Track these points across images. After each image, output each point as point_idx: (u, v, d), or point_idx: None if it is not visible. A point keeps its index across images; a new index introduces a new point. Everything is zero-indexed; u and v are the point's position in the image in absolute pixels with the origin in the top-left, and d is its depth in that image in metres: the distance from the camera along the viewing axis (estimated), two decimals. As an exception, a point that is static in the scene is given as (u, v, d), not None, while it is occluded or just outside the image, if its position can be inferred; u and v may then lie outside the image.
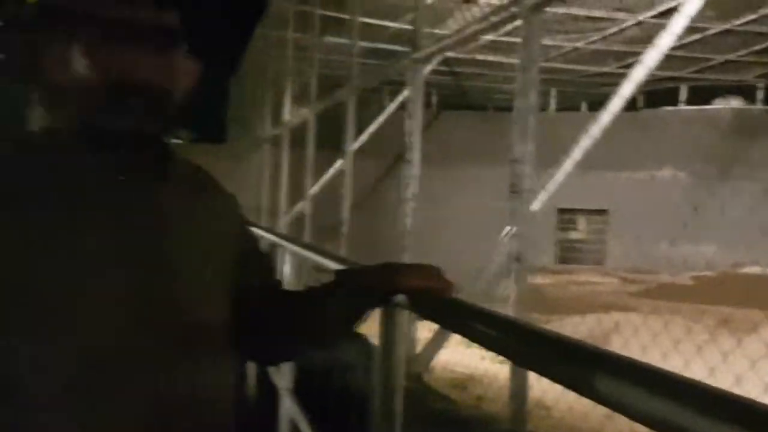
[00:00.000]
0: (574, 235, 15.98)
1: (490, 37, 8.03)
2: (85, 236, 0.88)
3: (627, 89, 3.61)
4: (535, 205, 3.49)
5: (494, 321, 0.89)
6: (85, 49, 0.90)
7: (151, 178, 0.95)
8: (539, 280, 11.31)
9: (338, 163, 7.41)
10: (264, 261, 1.21)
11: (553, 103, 16.33)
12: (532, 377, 3.38)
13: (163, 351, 0.89)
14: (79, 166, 0.91)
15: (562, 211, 14.95)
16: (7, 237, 0.85)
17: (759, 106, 15.55)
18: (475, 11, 6.34)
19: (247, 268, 1.08)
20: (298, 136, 9.77)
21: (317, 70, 9.15)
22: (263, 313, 1.09)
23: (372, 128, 7.45)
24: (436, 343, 4.44)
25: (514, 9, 3.28)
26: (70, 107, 0.93)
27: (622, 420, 0.59)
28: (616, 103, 3.62)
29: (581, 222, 15.92)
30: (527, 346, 0.80)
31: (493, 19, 3.61)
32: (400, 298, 1.35)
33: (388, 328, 2.19)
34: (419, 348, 4.94)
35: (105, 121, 0.92)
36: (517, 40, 3.34)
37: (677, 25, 3.67)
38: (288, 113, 10.65)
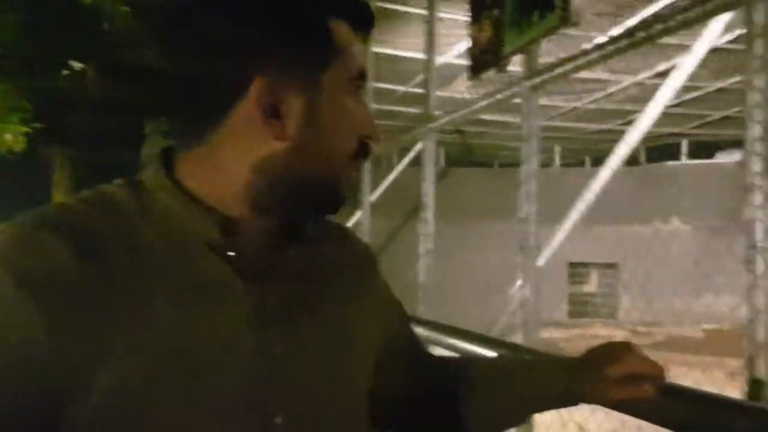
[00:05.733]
0: (585, 288, 16.04)
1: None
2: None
3: (626, 145, 3.58)
4: (541, 261, 3.60)
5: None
6: None
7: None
8: (552, 333, 11.35)
9: (357, 215, 7.65)
10: (406, 321, 1.02)
11: (557, 159, 16.70)
12: None
13: None
14: None
15: (574, 265, 15.05)
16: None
17: (761, 159, 15.80)
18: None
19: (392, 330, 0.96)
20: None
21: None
22: (415, 388, 0.95)
23: (386, 184, 7.75)
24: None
25: (515, 89, 3.58)
26: None
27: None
28: (615, 159, 3.60)
29: (592, 276, 16.00)
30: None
31: (498, 96, 3.90)
32: None
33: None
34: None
35: None
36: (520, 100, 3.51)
37: (675, 79, 3.57)
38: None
